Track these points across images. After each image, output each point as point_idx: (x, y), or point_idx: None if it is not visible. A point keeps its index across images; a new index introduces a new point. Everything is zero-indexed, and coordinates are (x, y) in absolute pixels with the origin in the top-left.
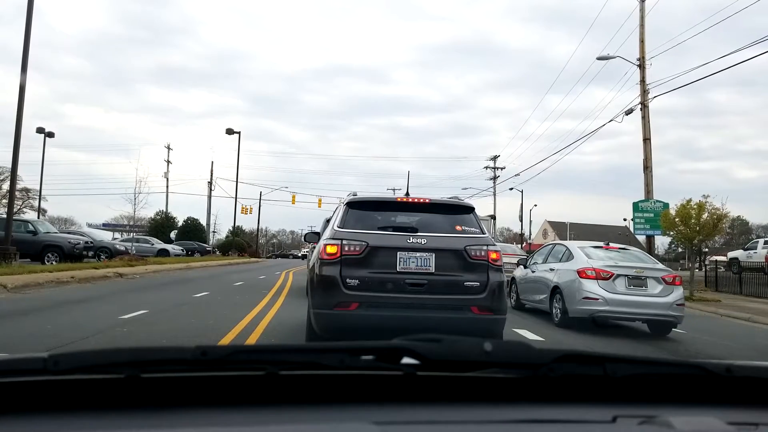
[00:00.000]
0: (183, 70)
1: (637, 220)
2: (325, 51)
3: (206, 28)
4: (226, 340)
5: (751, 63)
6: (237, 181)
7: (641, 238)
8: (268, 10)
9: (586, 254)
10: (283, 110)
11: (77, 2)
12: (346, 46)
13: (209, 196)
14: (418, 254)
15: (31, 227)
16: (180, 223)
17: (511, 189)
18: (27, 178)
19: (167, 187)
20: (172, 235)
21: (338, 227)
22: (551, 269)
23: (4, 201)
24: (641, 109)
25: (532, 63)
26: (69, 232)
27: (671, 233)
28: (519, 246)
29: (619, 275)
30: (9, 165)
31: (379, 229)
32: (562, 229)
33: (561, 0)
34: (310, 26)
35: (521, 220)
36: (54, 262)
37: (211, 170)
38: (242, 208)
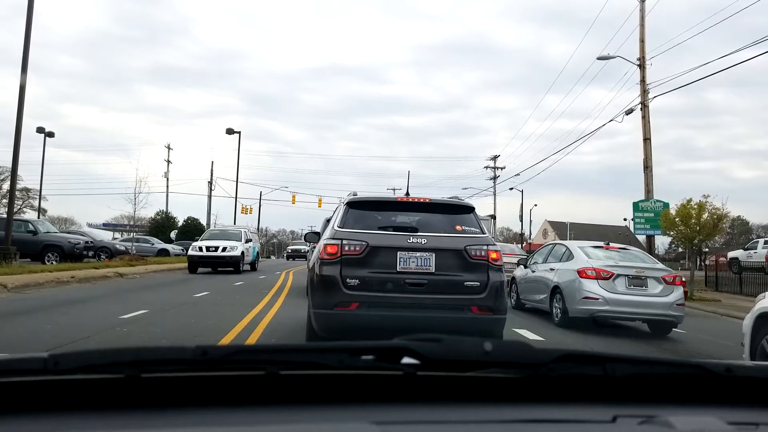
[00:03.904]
0: (180, 69)
1: (637, 220)
2: (322, 51)
3: (203, 28)
4: (226, 340)
5: (748, 63)
6: (237, 181)
7: (641, 238)
8: (265, 10)
9: (586, 254)
10: (280, 110)
11: (73, 2)
12: (343, 45)
13: (209, 196)
14: (418, 254)
15: (31, 227)
16: (180, 223)
17: (511, 189)
18: (27, 178)
19: (167, 186)
20: (173, 234)
21: (338, 227)
22: (551, 269)
23: (4, 201)
24: (641, 109)
25: (530, 63)
26: (69, 232)
27: (671, 233)
28: (519, 246)
29: (619, 275)
30: (9, 165)
31: (379, 228)
32: (562, 229)
33: (559, 0)
34: (307, 26)
35: (521, 220)
36: (54, 262)
37: (211, 170)
38: (242, 207)
